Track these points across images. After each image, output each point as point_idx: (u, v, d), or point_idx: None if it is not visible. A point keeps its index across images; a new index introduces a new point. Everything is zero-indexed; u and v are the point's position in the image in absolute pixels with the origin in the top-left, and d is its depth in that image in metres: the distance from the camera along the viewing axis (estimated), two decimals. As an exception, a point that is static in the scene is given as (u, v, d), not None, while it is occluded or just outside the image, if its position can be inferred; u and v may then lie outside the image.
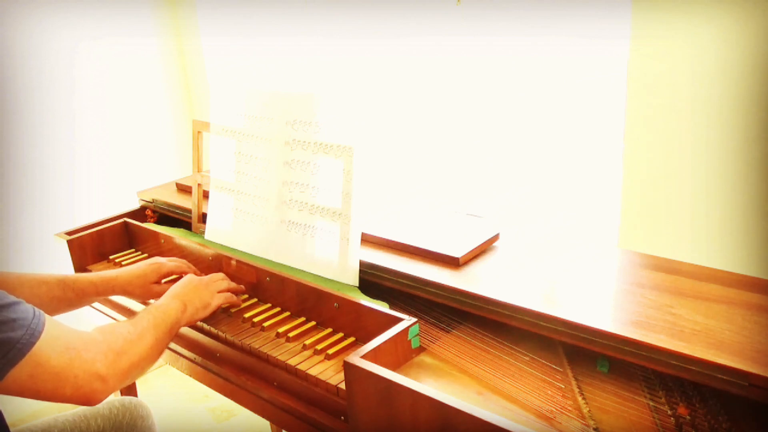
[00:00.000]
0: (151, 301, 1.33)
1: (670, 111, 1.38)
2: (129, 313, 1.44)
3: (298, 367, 1.07)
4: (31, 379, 0.88)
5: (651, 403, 0.90)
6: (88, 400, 0.94)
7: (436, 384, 0.99)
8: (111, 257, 1.60)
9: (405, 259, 1.22)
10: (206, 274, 1.34)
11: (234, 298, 1.27)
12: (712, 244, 1.39)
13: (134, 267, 1.33)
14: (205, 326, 1.23)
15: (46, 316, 0.92)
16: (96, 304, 1.52)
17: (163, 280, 1.34)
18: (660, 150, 1.41)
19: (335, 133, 1.25)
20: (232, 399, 1.20)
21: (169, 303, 1.15)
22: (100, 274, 1.31)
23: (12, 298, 0.89)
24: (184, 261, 1.39)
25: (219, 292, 1.24)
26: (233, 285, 1.29)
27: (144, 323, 1.06)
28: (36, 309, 0.91)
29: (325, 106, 1.27)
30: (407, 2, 1.89)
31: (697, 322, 0.91)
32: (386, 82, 2.06)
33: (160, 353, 1.09)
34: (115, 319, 1.46)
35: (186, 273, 1.36)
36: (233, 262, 1.34)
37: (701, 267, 1.09)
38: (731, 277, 1.05)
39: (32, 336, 0.88)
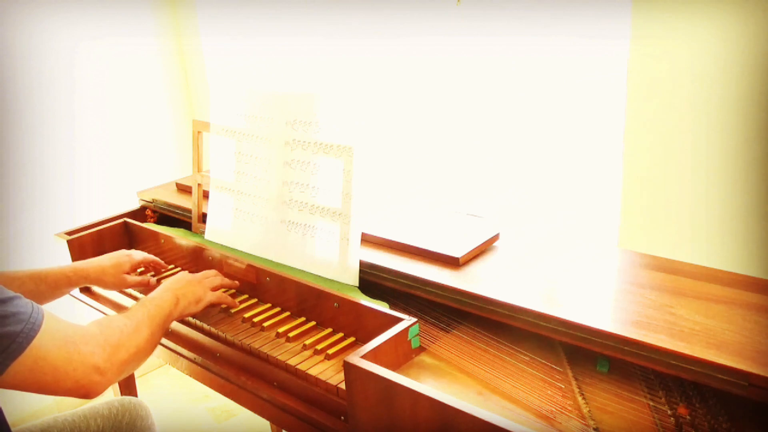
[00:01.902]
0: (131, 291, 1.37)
1: (670, 111, 1.38)
2: (118, 307, 1.44)
3: (298, 367, 1.07)
4: (30, 373, 0.89)
5: (651, 403, 0.90)
6: (86, 393, 0.94)
7: (436, 384, 0.99)
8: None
9: (405, 259, 1.22)
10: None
11: (229, 299, 1.27)
12: (712, 244, 1.39)
13: (106, 257, 1.37)
14: (205, 326, 1.23)
15: (45, 310, 0.93)
16: (89, 300, 1.53)
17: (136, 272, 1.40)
18: (660, 150, 1.41)
19: (335, 133, 1.25)
20: (232, 399, 1.20)
21: (162, 296, 1.16)
22: (72, 265, 1.33)
23: (11, 293, 0.89)
24: (150, 255, 1.45)
25: (212, 288, 1.25)
26: (227, 281, 1.30)
27: (139, 316, 1.07)
28: (34, 303, 0.92)
29: (325, 106, 1.27)
30: (407, 2, 1.88)
31: (697, 322, 0.91)
32: (386, 82, 2.06)
33: (155, 346, 1.10)
34: (104, 313, 1.46)
35: (156, 265, 1.44)
36: (233, 262, 1.34)
37: (701, 267, 1.09)
38: (731, 277, 1.05)
39: (32, 330, 0.88)
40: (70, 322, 0.97)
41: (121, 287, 1.37)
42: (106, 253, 1.61)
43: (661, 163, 1.42)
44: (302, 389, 1.06)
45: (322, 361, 1.08)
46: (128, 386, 1.67)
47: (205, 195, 1.55)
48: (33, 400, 2.22)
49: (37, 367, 0.89)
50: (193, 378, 1.28)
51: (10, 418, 1.06)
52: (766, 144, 1.26)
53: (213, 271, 1.30)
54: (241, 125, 1.41)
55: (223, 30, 2.40)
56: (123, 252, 1.40)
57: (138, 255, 1.41)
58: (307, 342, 1.13)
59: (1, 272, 1.24)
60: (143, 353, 1.05)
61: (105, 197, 2.35)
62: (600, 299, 1.02)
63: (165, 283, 1.21)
